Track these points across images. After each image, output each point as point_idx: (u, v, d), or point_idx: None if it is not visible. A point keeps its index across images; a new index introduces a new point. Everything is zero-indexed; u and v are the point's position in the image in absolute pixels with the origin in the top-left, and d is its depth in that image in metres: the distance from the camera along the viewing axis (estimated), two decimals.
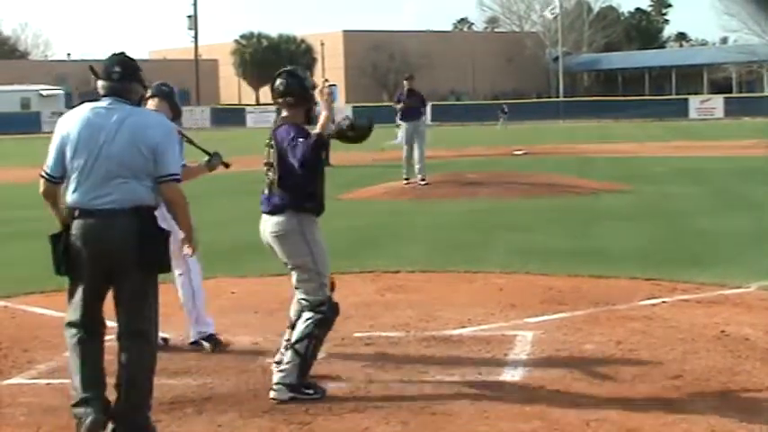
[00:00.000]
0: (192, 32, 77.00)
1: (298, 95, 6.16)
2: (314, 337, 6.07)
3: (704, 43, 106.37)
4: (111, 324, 5.47)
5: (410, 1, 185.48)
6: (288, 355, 6.08)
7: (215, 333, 7.43)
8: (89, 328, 5.36)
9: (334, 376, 6.46)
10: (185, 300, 7.40)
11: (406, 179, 19.48)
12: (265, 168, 6.21)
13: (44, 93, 68.39)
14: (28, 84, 71.41)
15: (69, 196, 5.33)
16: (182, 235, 5.62)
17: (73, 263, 5.30)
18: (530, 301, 8.70)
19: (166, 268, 5.48)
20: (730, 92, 75.49)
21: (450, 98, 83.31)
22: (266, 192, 6.17)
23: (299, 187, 6.06)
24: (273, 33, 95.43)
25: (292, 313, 6.28)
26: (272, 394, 6.04)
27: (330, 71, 78.68)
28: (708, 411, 5.69)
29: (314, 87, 6.31)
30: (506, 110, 55.71)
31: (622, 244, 12.28)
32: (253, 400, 6.05)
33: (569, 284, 9.47)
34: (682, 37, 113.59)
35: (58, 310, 7.81)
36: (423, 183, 19.29)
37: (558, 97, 76.46)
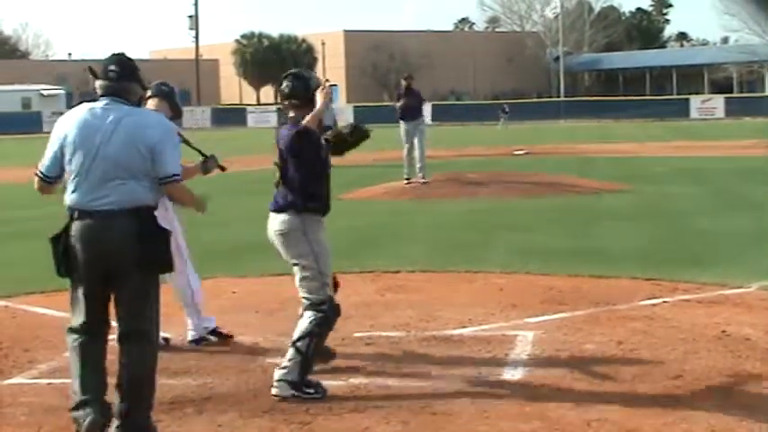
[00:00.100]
0: (193, 32, 77.13)
1: (302, 98, 6.33)
2: (315, 336, 6.14)
3: (705, 43, 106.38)
4: (113, 324, 5.46)
5: (410, 1, 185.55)
6: (289, 353, 6.14)
7: (218, 327, 7.53)
8: (92, 330, 5.34)
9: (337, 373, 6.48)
10: (185, 300, 7.41)
11: (407, 179, 19.47)
12: (275, 167, 6.37)
13: (45, 93, 68.38)
14: (29, 84, 71.39)
15: (68, 197, 5.32)
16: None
17: (73, 264, 5.29)
18: (530, 301, 8.70)
19: (168, 268, 5.46)
20: (731, 92, 75.41)
21: (451, 98, 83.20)
22: (275, 190, 6.32)
23: (301, 187, 6.18)
24: (274, 33, 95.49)
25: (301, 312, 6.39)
26: (273, 390, 6.09)
27: (331, 71, 78.74)
28: (708, 411, 5.68)
29: (318, 86, 6.41)
30: (507, 110, 55.54)
31: (623, 244, 12.27)
32: (253, 400, 6.05)
33: (570, 284, 9.47)
34: (682, 37, 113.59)
35: (58, 309, 7.83)
36: (423, 181, 19.30)
37: (558, 97, 76.43)
